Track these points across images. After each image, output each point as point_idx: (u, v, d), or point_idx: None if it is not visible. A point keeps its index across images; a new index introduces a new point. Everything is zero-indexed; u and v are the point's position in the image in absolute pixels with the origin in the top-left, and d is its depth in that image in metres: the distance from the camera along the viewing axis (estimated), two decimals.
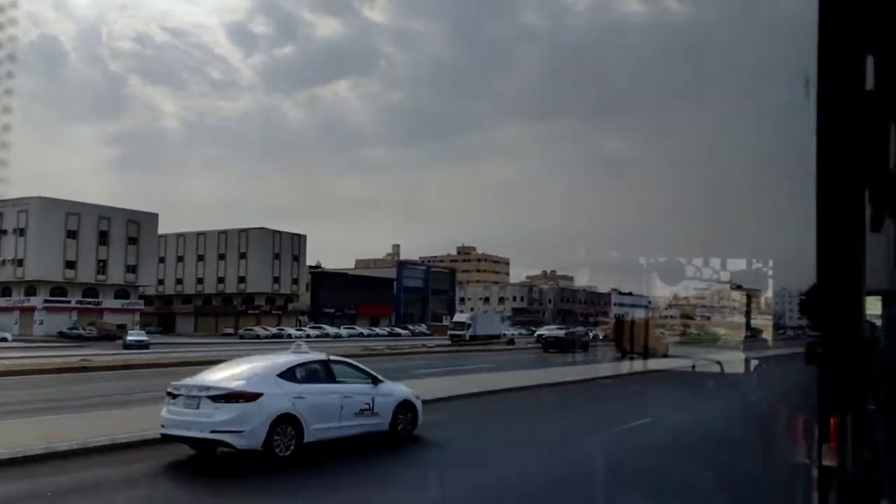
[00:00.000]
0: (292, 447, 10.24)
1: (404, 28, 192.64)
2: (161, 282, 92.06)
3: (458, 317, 72.95)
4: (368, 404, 11.49)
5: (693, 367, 28.34)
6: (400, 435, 11.81)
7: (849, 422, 1.89)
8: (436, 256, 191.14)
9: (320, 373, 11.41)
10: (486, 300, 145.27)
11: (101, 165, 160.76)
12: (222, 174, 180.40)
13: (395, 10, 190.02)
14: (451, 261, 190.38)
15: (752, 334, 56.89)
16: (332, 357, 12.43)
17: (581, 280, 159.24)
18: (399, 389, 12.52)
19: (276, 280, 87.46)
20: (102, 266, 69.79)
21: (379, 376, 12.17)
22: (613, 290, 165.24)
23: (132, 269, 72.74)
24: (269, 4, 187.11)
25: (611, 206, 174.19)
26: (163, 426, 10.60)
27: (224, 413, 9.98)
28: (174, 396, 10.61)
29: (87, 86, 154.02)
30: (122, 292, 72.87)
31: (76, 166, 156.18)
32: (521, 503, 8.88)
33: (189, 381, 10.91)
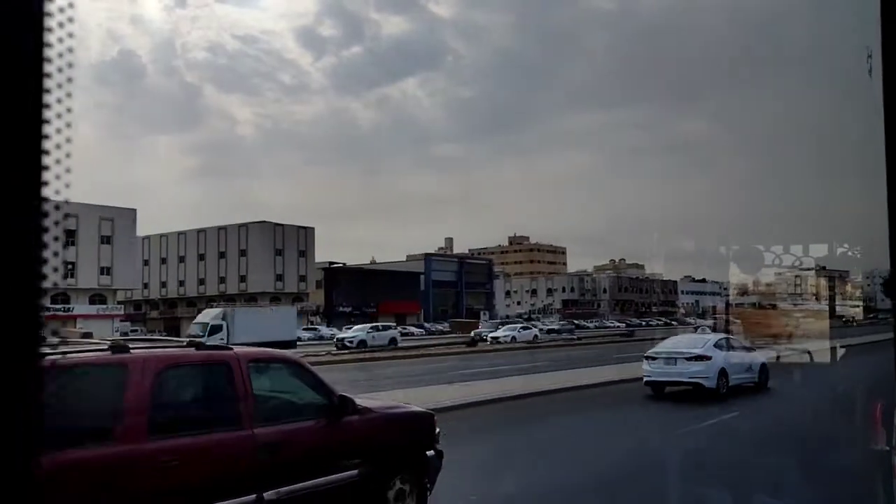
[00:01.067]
0: (726, 388, 16.76)
1: (470, 21, 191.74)
2: (164, 284, 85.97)
3: (203, 315, 44.20)
4: (749, 365, 18.17)
5: (777, 357, 29.27)
6: (761, 385, 18.25)
7: None
8: (486, 248, 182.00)
9: (725, 345, 18.06)
10: (534, 292, 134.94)
11: (182, 175, 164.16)
12: (297, 178, 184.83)
13: (460, 4, 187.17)
14: (502, 252, 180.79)
15: (841, 321, 57.84)
16: (730, 336, 20.73)
17: (654, 269, 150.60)
18: (759, 356, 19.20)
19: (279, 278, 79.86)
20: (70, 269, 63.57)
21: (753, 346, 20.28)
22: (686, 277, 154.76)
23: (106, 270, 66.27)
24: (336, 6, 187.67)
25: (685, 192, 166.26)
26: (647, 376, 17.52)
27: (696, 367, 16.73)
28: (653, 359, 17.55)
29: (165, 97, 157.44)
30: (98, 297, 66.58)
31: (159, 176, 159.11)
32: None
33: (661, 349, 17.88)
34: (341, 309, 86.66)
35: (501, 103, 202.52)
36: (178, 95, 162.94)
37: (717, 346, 17.50)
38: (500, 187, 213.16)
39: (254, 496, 5.48)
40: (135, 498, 4.96)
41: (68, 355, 4.90)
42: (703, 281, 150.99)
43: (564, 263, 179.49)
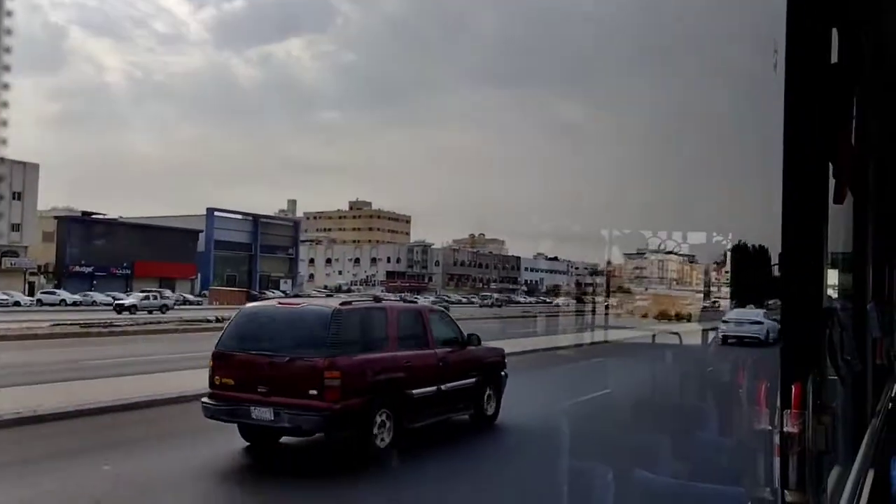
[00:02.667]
0: (770, 340, 24.79)
1: None
2: None
3: None
4: (777, 329, 22.73)
5: (653, 337, 30.49)
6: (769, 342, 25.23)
7: (810, 389, 1.93)
8: (324, 212, 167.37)
9: (768, 316, 27.22)
10: (357, 261, 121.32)
11: (44, 121, 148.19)
12: (169, 132, 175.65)
13: None
14: (341, 217, 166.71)
15: (711, 306, 61.26)
16: (763, 310, 30.07)
17: (516, 246, 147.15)
18: (771, 325, 25.96)
19: None
20: None
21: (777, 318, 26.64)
22: (539, 254, 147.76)
23: None
24: None
25: (562, 175, 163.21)
26: (723, 332, 27.64)
27: (754, 329, 26.65)
28: (727, 322, 28.41)
29: (25, 36, 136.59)
30: None
31: (19, 121, 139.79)
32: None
33: (732, 317, 29.21)
34: (79, 269, 69.72)
35: (389, 73, 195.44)
36: (39, 35, 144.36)
37: (764, 315, 27.46)
38: (380, 158, 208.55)
39: (435, 387, 10.06)
40: (393, 380, 9.42)
41: (358, 304, 10.46)
42: (556, 259, 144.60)
43: (407, 233, 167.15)
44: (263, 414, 8.67)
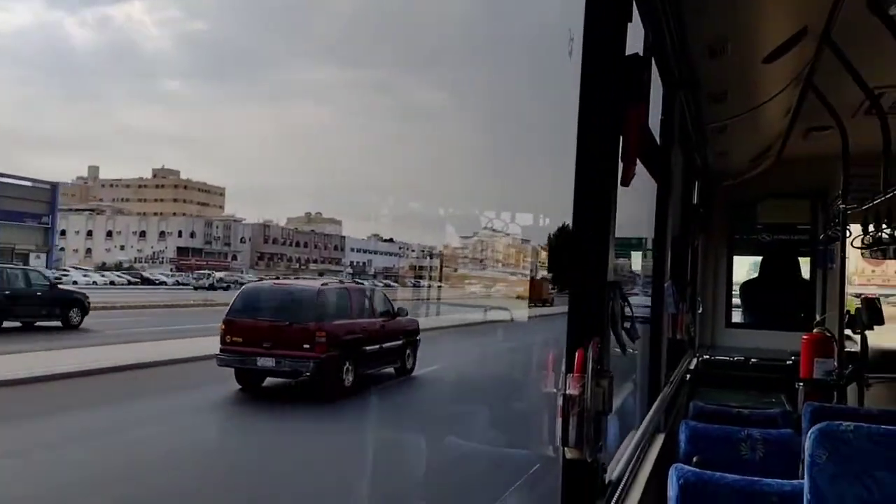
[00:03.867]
0: None
1: None
2: None
3: None
4: None
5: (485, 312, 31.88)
6: None
7: (591, 355, 2.11)
8: (120, 180, 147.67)
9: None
10: (143, 234, 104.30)
11: None
12: None
13: None
14: (141, 186, 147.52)
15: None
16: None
17: (356, 228, 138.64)
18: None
19: None
20: None
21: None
22: (374, 235, 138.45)
23: None
24: None
25: (408, 157, 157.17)
26: None
27: None
28: None
29: None
30: None
31: None
32: None
33: None
34: None
35: (237, 45, 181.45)
36: None
37: None
38: (222, 131, 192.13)
39: (378, 346, 14.63)
40: (355, 340, 14.21)
41: (331, 285, 16.31)
42: (391, 241, 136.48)
43: (221, 207, 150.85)
44: (267, 362, 13.48)
